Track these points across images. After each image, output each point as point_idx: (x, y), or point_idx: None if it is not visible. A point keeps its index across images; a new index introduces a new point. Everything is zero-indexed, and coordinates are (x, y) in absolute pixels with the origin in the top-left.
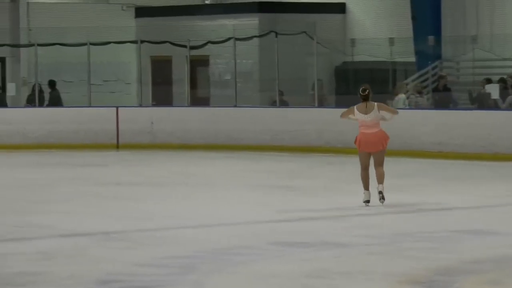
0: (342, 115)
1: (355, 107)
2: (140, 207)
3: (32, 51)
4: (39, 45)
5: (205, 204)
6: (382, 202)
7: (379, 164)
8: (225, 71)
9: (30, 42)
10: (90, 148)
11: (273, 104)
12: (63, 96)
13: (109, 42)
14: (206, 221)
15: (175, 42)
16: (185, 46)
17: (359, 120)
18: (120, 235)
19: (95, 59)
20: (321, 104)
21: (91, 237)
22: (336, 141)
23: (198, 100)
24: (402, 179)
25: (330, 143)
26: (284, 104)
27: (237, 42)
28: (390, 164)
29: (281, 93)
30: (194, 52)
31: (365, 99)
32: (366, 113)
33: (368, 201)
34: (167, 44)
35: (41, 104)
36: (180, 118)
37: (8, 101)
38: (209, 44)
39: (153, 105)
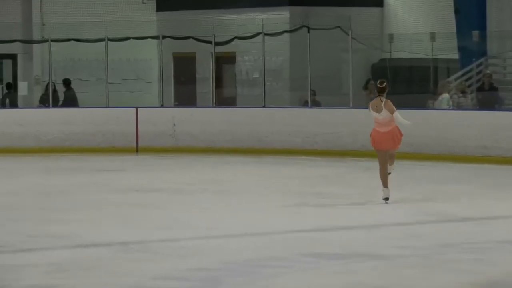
0: (393, 109)
1: (370, 103)
2: (161, 216)
3: (45, 48)
4: (53, 40)
5: (232, 212)
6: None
7: (392, 157)
8: (253, 69)
9: (43, 37)
10: (107, 151)
11: (304, 104)
12: (79, 96)
13: (128, 38)
14: (232, 230)
15: (199, 38)
16: (210, 42)
17: (374, 116)
18: (140, 245)
19: (113, 56)
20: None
21: (108, 248)
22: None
23: (224, 100)
24: (444, 186)
25: (366, 146)
26: (316, 104)
27: (266, 37)
28: (430, 169)
29: (313, 93)
30: (220, 49)
31: (381, 91)
32: (378, 111)
33: (387, 199)
34: (191, 39)
35: (55, 105)
36: (205, 119)
37: (20, 101)
38: (236, 40)
39: (176, 106)
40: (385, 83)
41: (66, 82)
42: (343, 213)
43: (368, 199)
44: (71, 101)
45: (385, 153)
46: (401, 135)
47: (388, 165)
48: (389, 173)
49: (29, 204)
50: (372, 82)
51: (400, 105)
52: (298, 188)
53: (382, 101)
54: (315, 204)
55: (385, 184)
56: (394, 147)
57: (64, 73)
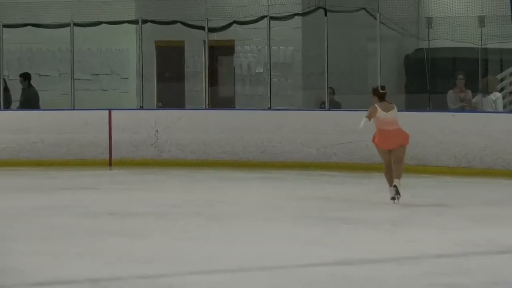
0: (370, 116)
1: (376, 105)
2: (141, 247)
3: None
4: (5, 26)
5: (231, 242)
6: (397, 199)
7: (398, 162)
8: (256, 62)
9: None
10: (74, 165)
11: (321, 106)
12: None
13: (99, 23)
14: (231, 266)
15: (189, 23)
16: (202, 28)
17: (381, 118)
18: (112, 283)
19: (81, 46)
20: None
21: (74, 286)
22: (406, 157)
23: (220, 101)
24: (497, 208)
25: None
26: (336, 106)
27: (272, 22)
28: (480, 187)
29: (331, 92)
30: (215, 36)
31: (384, 97)
32: (387, 111)
33: (394, 198)
34: (178, 25)
35: (7, 106)
36: (195, 125)
37: None
38: (235, 25)
39: (159, 108)
40: (385, 88)
41: (26, 77)
42: (370, 242)
43: (401, 223)
44: (33, 101)
45: (388, 153)
46: (408, 135)
47: (394, 178)
48: (395, 186)
49: None
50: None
51: (440, 106)
52: (313, 211)
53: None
54: (335, 231)
55: (391, 183)
56: (403, 143)
57: (19, 67)
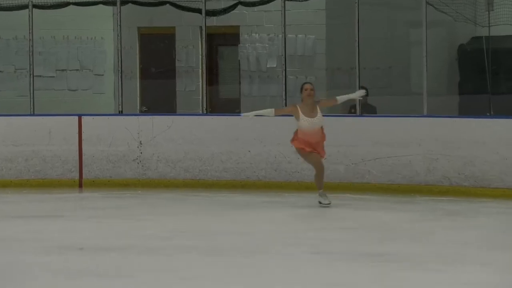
0: (276, 112)
1: (298, 106)
2: None
3: None
4: None
5: (230, 285)
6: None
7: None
8: (267, 54)
9: None
10: (34, 186)
11: (350, 111)
12: None
13: (66, 4)
14: None
15: (181, 4)
16: (198, 11)
17: (304, 126)
18: None
19: (43, 33)
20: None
21: None
22: (459, 177)
23: (221, 104)
24: None
25: (449, 178)
26: (369, 110)
27: (288, 3)
28: None
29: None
30: (214, 21)
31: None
32: (312, 117)
33: (328, 203)
34: (167, 6)
35: None
36: (190, 135)
37: None
38: (240, 7)
39: (143, 113)
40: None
41: None
42: (412, 285)
43: (454, 261)
44: None
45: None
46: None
47: (319, 191)
48: (325, 204)
49: None
50: None
51: (503, 111)
52: (339, 245)
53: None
54: (367, 271)
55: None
56: (322, 141)
57: None
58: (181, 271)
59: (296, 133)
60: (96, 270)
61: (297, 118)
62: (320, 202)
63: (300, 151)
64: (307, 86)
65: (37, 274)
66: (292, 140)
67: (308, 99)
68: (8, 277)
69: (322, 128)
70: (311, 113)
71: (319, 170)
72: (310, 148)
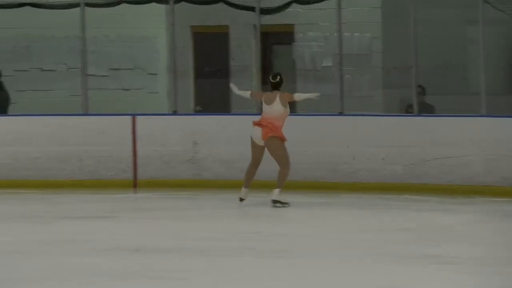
0: (251, 95)
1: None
2: None
3: None
4: None
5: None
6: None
7: (278, 160)
8: (322, 53)
9: None
10: (87, 187)
11: (407, 110)
12: (37, 97)
13: (119, 2)
14: None
15: (235, 2)
16: (252, 9)
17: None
18: None
19: (95, 32)
20: None
21: None
22: None
23: None
24: None
25: (508, 179)
26: (427, 110)
27: (344, 1)
28: None
29: (421, 91)
30: (269, 20)
31: (275, 86)
32: (269, 103)
33: (241, 199)
34: (221, 4)
35: (1, 110)
36: (244, 134)
37: None
38: (294, 5)
39: (198, 113)
40: (278, 77)
41: None
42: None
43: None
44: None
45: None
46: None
47: (275, 189)
48: (284, 204)
49: None
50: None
51: None
52: (398, 247)
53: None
54: (426, 273)
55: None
56: (270, 134)
57: (14, 59)
58: (234, 273)
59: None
60: (149, 272)
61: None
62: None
63: (281, 142)
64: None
65: (89, 276)
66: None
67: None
68: (61, 278)
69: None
70: (270, 101)
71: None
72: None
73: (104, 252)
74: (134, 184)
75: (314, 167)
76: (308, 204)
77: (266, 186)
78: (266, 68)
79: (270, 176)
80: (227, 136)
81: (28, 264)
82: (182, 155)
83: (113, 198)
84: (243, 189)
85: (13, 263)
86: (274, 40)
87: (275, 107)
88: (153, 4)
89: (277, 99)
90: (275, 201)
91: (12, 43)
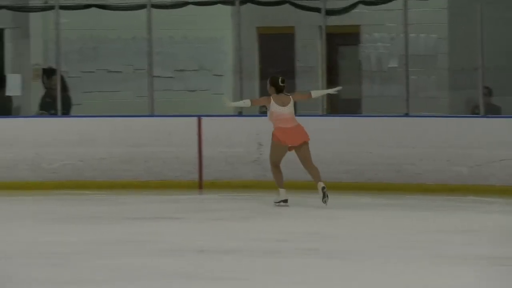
0: (254, 102)
1: (271, 97)
2: None
3: (50, 19)
4: (62, 7)
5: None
6: (326, 202)
7: (310, 162)
8: (388, 54)
9: (46, 2)
10: (152, 188)
11: (474, 111)
12: (102, 98)
13: (185, 3)
14: None
15: (300, 3)
16: (318, 10)
17: (277, 113)
18: None
19: (161, 33)
20: None
21: None
22: None
23: (342, 105)
24: None
25: None
26: (493, 111)
27: (410, 1)
28: None
29: (488, 92)
30: (334, 21)
31: (282, 90)
32: (284, 105)
33: (286, 200)
34: (286, 5)
35: (66, 112)
36: (310, 136)
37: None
38: (360, 6)
39: (263, 114)
40: (284, 81)
41: (49, 74)
42: None
43: None
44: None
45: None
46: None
47: (317, 181)
48: (324, 187)
49: (21, 273)
50: None
51: None
52: (463, 249)
53: (289, 98)
54: (490, 274)
55: (281, 185)
56: (307, 137)
57: (80, 60)
58: (296, 274)
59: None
60: (212, 273)
61: (269, 107)
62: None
63: (275, 143)
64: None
65: (153, 277)
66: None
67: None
68: (125, 279)
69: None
70: (283, 103)
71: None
72: (289, 140)
73: (168, 253)
74: (199, 185)
75: (379, 168)
76: (371, 205)
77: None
78: (331, 69)
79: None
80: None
81: (93, 265)
82: (246, 156)
83: (178, 199)
84: (281, 190)
85: (77, 264)
86: (340, 41)
87: (291, 108)
88: (219, 5)
89: (291, 100)
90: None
91: (79, 45)
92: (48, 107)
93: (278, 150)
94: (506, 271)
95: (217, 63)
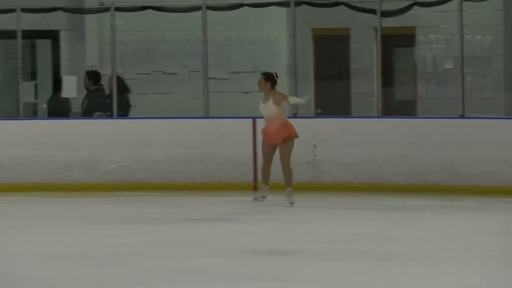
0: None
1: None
2: None
3: (105, 21)
4: (117, 9)
5: None
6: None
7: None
8: (444, 56)
9: (102, 4)
10: (207, 189)
11: None
12: (158, 100)
13: (240, 5)
14: None
15: (356, 5)
16: (373, 12)
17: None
18: None
19: (216, 35)
20: None
21: None
22: None
23: (397, 107)
24: None
25: None
26: None
27: (466, 3)
28: None
29: None
30: (390, 22)
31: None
32: (264, 102)
33: (260, 198)
34: (342, 7)
35: (122, 113)
36: (365, 138)
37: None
38: (416, 8)
39: (318, 116)
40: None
41: (91, 76)
42: None
43: None
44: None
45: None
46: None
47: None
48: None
49: (73, 274)
50: None
51: None
52: None
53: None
54: None
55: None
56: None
57: (136, 62)
58: (351, 276)
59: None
60: (265, 274)
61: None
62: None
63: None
64: (258, 77)
65: (207, 278)
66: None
67: (261, 89)
68: (179, 280)
69: (278, 118)
70: (265, 101)
71: (265, 164)
72: (268, 139)
73: (222, 254)
74: (254, 186)
75: (435, 169)
76: (426, 207)
77: (388, 190)
78: (387, 70)
79: (391, 179)
80: (347, 139)
81: (148, 266)
82: (301, 158)
83: (232, 200)
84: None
85: (133, 265)
86: (395, 43)
87: (268, 107)
88: (274, 7)
89: (271, 99)
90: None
91: (134, 46)
92: (90, 110)
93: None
94: None
95: (271, 65)
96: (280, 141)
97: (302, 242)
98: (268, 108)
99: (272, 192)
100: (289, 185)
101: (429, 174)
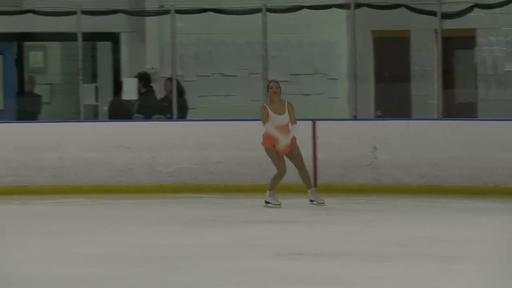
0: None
1: (267, 106)
2: None
3: (166, 23)
4: (178, 12)
5: None
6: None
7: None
8: (504, 58)
9: (162, 6)
10: (265, 191)
11: None
12: (218, 102)
13: (300, 7)
14: None
15: (416, 7)
16: (433, 14)
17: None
18: None
19: (276, 37)
20: None
21: None
22: None
23: (458, 109)
24: None
25: None
26: None
27: None
28: None
29: None
30: (450, 24)
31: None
32: (281, 114)
33: (268, 203)
34: (402, 9)
35: (182, 115)
36: (425, 140)
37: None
38: (477, 10)
39: (378, 118)
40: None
41: (142, 78)
42: None
43: None
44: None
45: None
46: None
47: (269, 191)
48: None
49: (138, 276)
50: None
51: None
52: None
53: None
54: None
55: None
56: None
57: (196, 64)
58: (412, 279)
59: (264, 136)
60: (320, 276)
61: (267, 117)
62: (267, 202)
63: (268, 150)
64: (272, 84)
65: (264, 280)
66: (262, 143)
67: (274, 97)
68: (237, 282)
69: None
70: (279, 111)
71: (280, 174)
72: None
73: (282, 256)
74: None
75: (495, 172)
76: (487, 209)
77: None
78: (447, 72)
79: (452, 182)
80: (407, 141)
81: (207, 267)
82: (361, 160)
83: (292, 203)
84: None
85: (197, 267)
86: (456, 45)
87: (286, 117)
88: (334, 9)
89: (286, 109)
90: (266, 202)
91: (195, 49)
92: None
93: (273, 156)
94: None
95: (332, 67)
96: (289, 150)
97: (361, 244)
98: (286, 117)
99: (330, 195)
100: (310, 186)
101: (489, 177)
